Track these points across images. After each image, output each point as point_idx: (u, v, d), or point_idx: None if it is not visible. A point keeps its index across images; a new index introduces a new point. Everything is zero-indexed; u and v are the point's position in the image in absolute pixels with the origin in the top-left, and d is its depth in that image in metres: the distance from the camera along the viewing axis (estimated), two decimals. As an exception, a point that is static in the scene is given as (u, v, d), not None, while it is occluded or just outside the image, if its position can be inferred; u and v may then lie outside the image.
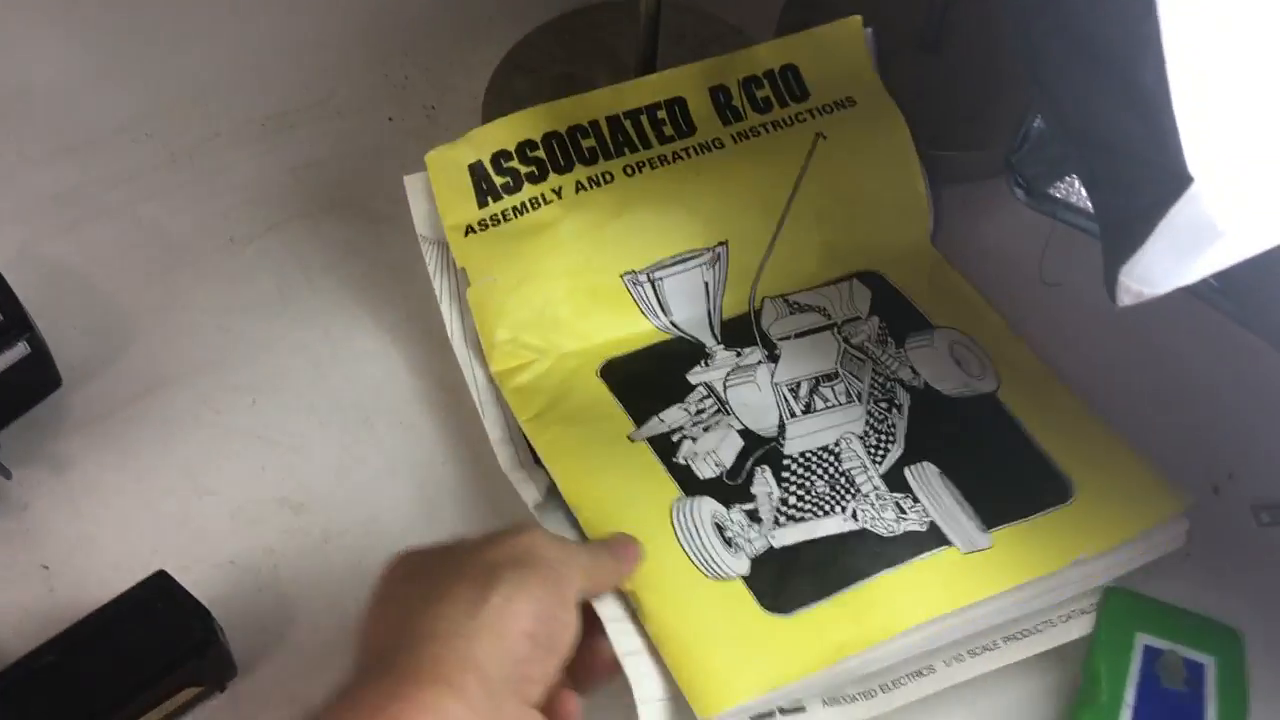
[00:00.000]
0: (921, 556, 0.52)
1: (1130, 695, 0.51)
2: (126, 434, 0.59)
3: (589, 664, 0.46)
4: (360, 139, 0.71)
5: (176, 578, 0.53)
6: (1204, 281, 0.39)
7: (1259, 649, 0.53)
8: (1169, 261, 0.37)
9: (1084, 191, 0.48)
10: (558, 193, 0.61)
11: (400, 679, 0.38)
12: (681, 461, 0.55)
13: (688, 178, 0.62)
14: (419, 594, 0.41)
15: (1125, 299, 0.38)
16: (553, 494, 0.55)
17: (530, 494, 0.55)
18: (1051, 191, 0.47)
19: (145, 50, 0.70)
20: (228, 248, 0.66)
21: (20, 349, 0.55)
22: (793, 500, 0.54)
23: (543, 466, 0.55)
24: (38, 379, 0.58)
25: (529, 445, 0.57)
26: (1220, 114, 0.35)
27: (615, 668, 0.47)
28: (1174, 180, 0.35)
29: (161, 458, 0.58)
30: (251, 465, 0.59)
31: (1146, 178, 0.36)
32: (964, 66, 0.73)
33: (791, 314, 0.62)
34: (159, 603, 0.49)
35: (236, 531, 0.56)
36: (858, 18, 0.66)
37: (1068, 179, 0.47)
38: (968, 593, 0.51)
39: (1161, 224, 0.36)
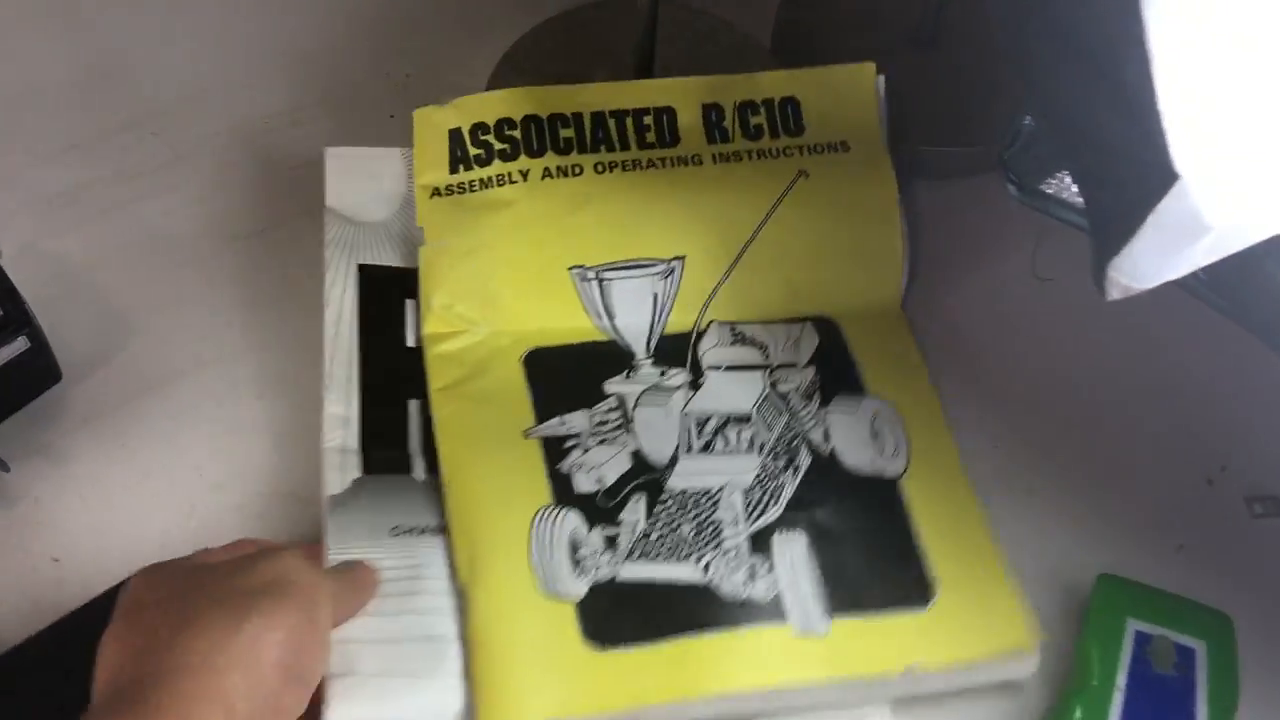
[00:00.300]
0: (753, 626, 0.51)
1: (1122, 679, 0.51)
2: (133, 428, 0.59)
3: None
4: (361, 137, 0.71)
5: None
6: (1192, 276, 0.40)
7: (1250, 638, 0.54)
8: (1157, 256, 0.37)
9: (1076, 188, 0.48)
10: (524, 175, 0.61)
11: (140, 717, 0.36)
12: (564, 470, 0.55)
13: (658, 187, 0.62)
14: (166, 622, 0.39)
15: (1114, 293, 0.39)
16: (355, 490, 0.54)
17: (336, 482, 0.54)
18: (1043, 187, 0.48)
19: (150, 49, 0.71)
20: (230, 244, 0.67)
21: (20, 343, 0.55)
22: (655, 536, 0.54)
23: (365, 458, 0.55)
24: (37, 373, 0.58)
25: (371, 427, 0.56)
26: (1206, 110, 0.35)
27: None
28: (1161, 176, 0.36)
29: (168, 452, 0.59)
30: (257, 459, 0.59)
31: (1134, 174, 0.36)
32: (959, 63, 0.73)
33: (732, 344, 0.61)
34: None
35: (244, 524, 0.57)
36: (872, 65, 0.65)
37: (1059, 175, 0.48)
38: (784, 673, 0.50)
39: (1149, 219, 0.36)
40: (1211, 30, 0.34)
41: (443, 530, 0.53)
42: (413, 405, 0.58)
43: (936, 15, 0.73)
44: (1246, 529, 0.59)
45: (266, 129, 0.71)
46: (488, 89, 0.70)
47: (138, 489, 0.58)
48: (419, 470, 0.56)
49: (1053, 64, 0.38)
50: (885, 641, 0.51)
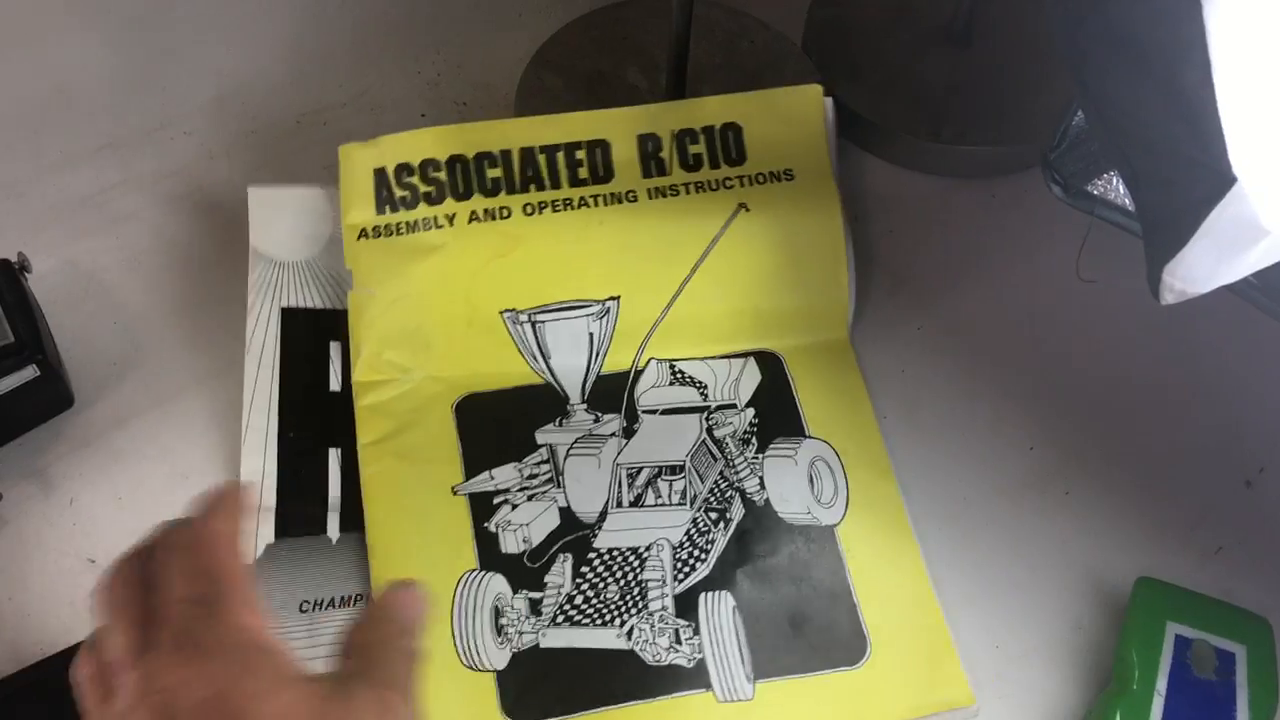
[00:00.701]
0: (676, 695, 0.51)
1: (1162, 684, 0.51)
2: (170, 428, 0.59)
3: None
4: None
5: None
6: (1244, 280, 0.40)
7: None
8: (1212, 260, 0.37)
9: (1123, 188, 0.48)
10: (450, 219, 0.60)
11: None
12: (491, 529, 0.54)
13: (590, 226, 0.60)
14: None
15: (1169, 297, 0.38)
16: (267, 558, 0.54)
17: (249, 549, 0.53)
18: (1089, 189, 0.48)
19: (185, 48, 0.71)
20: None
21: (29, 372, 0.55)
22: (580, 600, 0.53)
23: (280, 514, 0.55)
24: (47, 400, 0.58)
25: (288, 481, 0.55)
26: (1265, 115, 0.35)
27: None
28: (1218, 180, 0.35)
29: (205, 452, 0.59)
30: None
31: (1191, 178, 0.36)
32: (992, 61, 0.73)
33: (670, 384, 0.60)
34: None
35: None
36: (818, 86, 0.63)
37: (1105, 176, 0.48)
38: None
39: (1205, 223, 0.36)
40: (1274, 36, 0.34)
41: (349, 602, 0.53)
42: (333, 454, 0.57)
43: (970, 13, 0.72)
44: (1285, 531, 0.59)
45: (299, 128, 0.71)
46: (519, 88, 0.70)
47: (177, 490, 0.58)
48: (333, 528, 0.55)
49: (1108, 66, 0.37)
50: (814, 704, 0.51)
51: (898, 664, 0.52)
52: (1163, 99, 0.36)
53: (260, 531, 0.55)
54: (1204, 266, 0.37)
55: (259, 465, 0.56)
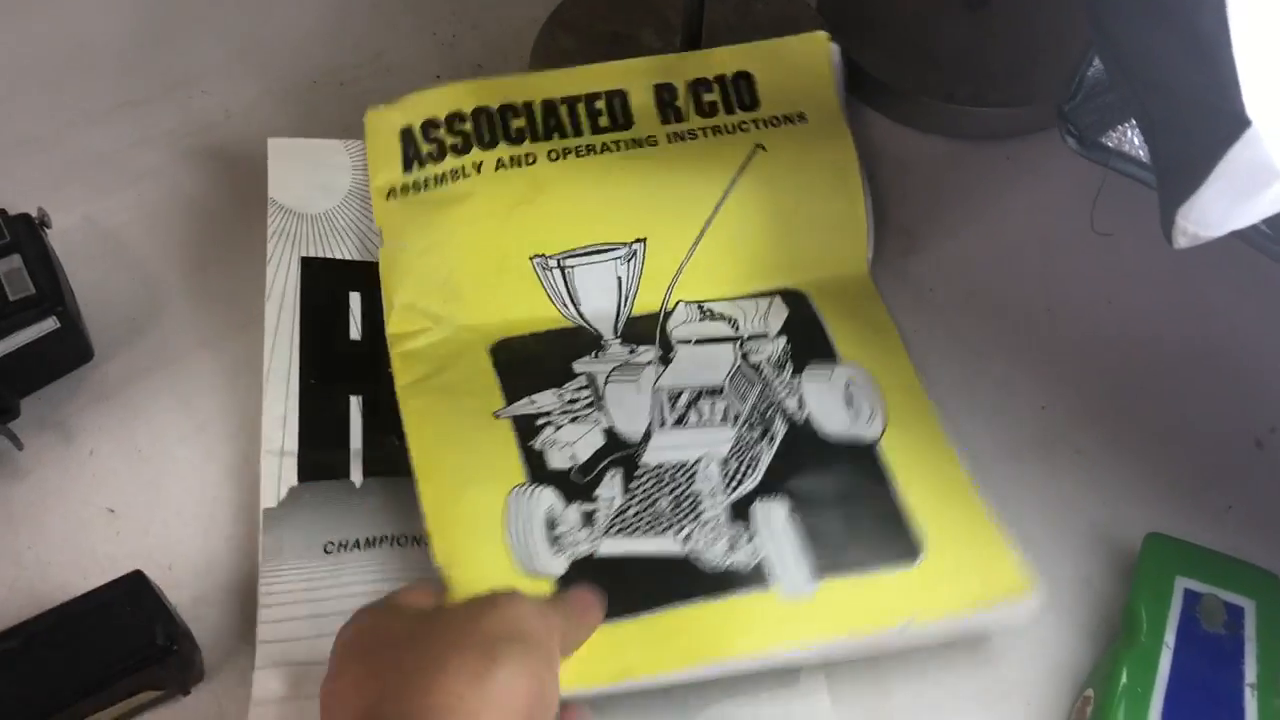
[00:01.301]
0: (737, 594, 0.51)
1: (1170, 638, 0.51)
2: (188, 381, 0.60)
3: None
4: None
5: (236, 522, 0.55)
6: (1254, 228, 0.40)
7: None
8: (1226, 203, 0.37)
9: (1138, 140, 0.48)
10: (477, 167, 0.61)
11: None
12: (537, 447, 0.55)
13: (613, 170, 0.62)
14: (413, 663, 0.39)
15: (1182, 241, 0.39)
16: (289, 502, 0.54)
17: (272, 494, 0.54)
18: (1104, 140, 0.48)
19: (204, 9, 0.72)
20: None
21: (49, 324, 0.56)
22: (633, 511, 0.53)
23: (302, 460, 0.55)
24: (67, 352, 0.59)
25: (310, 426, 0.56)
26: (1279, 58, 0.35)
27: None
28: (1232, 123, 0.36)
29: (222, 403, 0.59)
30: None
31: (1204, 121, 0.36)
32: (1007, 23, 0.73)
33: (701, 320, 0.60)
34: (128, 605, 0.49)
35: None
36: (824, 34, 0.65)
37: (1120, 128, 0.48)
38: (773, 638, 0.50)
39: (1219, 166, 0.36)
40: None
41: (373, 544, 0.54)
42: (354, 401, 0.58)
43: (985, -24, 0.72)
44: (1295, 491, 0.59)
45: (315, 89, 0.71)
46: (534, 50, 0.71)
47: (193, 443, 0.58)
48: (356, 474, 0.56)
49: (1126, 10, 0.38)
50: (877, 599, 0.51)
51: (953, 562, 0.53)
52: (1180, 43, 0.36)
53: (283, 475, 0.55)
54: (1217, 210, 0.37)
55: (281, 411, 0.57)
